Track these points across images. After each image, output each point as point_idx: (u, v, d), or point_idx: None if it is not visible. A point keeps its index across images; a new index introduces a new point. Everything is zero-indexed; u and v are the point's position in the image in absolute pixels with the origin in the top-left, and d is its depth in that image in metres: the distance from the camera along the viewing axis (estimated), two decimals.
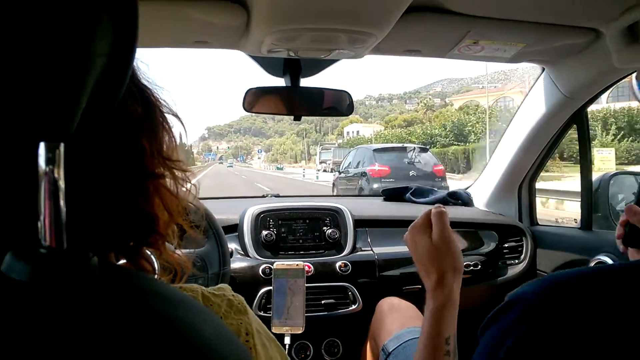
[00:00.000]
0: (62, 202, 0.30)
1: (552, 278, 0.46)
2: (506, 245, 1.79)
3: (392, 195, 2.15)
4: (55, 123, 0.30)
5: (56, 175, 0.30)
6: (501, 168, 1.85)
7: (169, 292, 0.39)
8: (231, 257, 1.50)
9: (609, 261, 1.41)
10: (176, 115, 0.54)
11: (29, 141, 0.30)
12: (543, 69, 1.54)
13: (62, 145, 0.30)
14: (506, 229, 1.81)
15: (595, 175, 1.78)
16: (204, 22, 1.05)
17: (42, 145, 0.30)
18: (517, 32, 1.18)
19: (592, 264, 1.46)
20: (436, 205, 0.94)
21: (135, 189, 0.45)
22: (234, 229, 1.64)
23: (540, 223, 1.90)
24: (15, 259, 0.30)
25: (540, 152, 1.73)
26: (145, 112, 0.48)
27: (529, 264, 1.77)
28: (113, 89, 0.33)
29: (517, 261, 1.78)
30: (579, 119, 1.59)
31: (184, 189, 0.56)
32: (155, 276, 0.99)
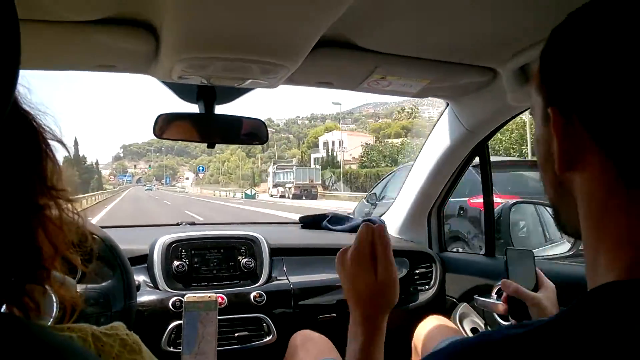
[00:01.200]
0: None
1: (460, 345, 0.46)
2: (417, 271, 1.85)
3: (310, 223, 2.16)
4: None
5: None
6: (412, 196, 1.92)
7: (44, 340, 0.37)
8: (138, 290, 1.43)
9: None
10: (60, 142, 0.51)
11: None
12: (447, 104, 1.64)
13: None
14: (417, 255, 1.87)
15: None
16: (110, 47, 1.02)
17: None
18: (421, 69, 1.25)
19: (495, 290, 1.54)
20: (369, 221, 0.92)
21: (16, 220, 0.42)
22: (143, 259, 1.57)
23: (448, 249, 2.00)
24: None
25: (447, 182, 1.82)
26: (26, 140, 0.45)
27: (438, 289, 1.84)
28: None
29: (427, 287, 1.85)
30: (481, 151, 1.71)
31: (75, 219, 0.53)
32: (53, 314, 0.91)
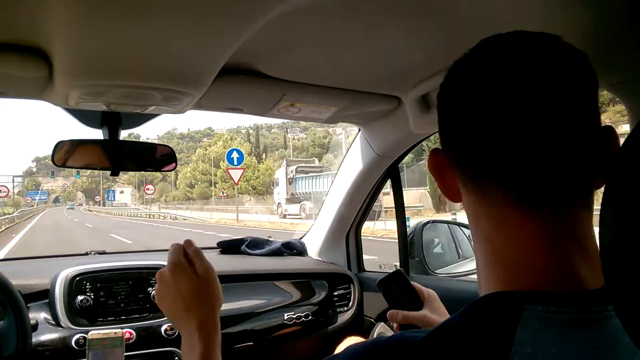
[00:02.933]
0: None
1: (349, 351, 0.49)
2: (336, 293, 1.86)
3: (228, 247, 2.12)
4: None
5: None
6: (329, 218, 1.95)
7: None
8: (35, 329, 1.33)
9: None
10: None
11: None
12: (359, 129, 1.69)
13: None
14: (335, 277, 1.89)
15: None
16: None
17: None
18: (329, 97, 1.28)
19: None
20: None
21: None
22: (44, 295, 1.46)
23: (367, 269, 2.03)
24: None
25: (362, 203, 1.86)
26: None
27: (356, 310, 1.86)
28: None
29: (346, 308, 1.86)
30: (393, 173, 1.77)
31: None
32: None
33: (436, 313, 1.02)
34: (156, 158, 1.35)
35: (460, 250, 2.47)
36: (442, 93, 0.54)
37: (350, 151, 1.77)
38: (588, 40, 0.82)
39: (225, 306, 1.62)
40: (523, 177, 0.47)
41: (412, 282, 1.08)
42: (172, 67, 0.95)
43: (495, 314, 0.45)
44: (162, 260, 1.64)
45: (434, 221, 2.31)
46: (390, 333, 1.75)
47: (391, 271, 1.11)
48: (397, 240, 1.85)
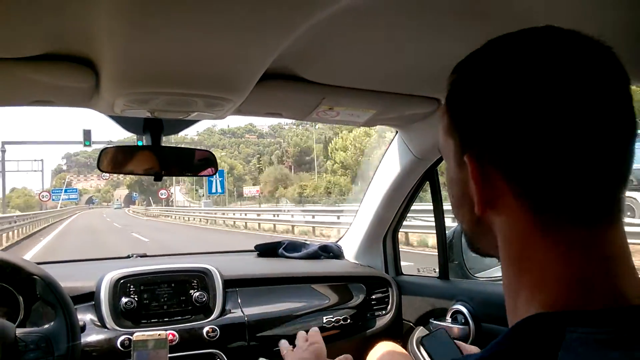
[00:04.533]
0: None
1: None
2: (374, 296, 1.85)
3: (266, 250, 2.14)
4: None
5: None
6: (367, 221, 1.94)
7: None
8: (84, 330, 1.37)
9: (464, 310, 1.51)
10: None
11: None
12: (397, 132, 1.68)
13: None
14: (373, 280, 1.88)
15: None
16: (46, 84, 0.99)
17: None
18: (368, 100, 1.28)
19: (449, 313, 1.56)
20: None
21: None
22: (89, 297, 1.50)
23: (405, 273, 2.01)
24: None
25: (400, 206, 1.85)
26: None
27: (395, 314, 1.84)
28: None
29: (384, 312, 1.85)
30: (431, 176, 1.74)
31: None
32: None
33: None
34: (197, 162, 1.38)
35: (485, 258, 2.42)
36: (473, 89, 0.50)
37: (388, 153, 1.75)
38: (620, 35, 0.79)
39: (265, 309, 1.66)
40: (567, 192, 0.45)
41: (454, 341, 1.08)
42: (216, 73, 0.96)
43: (536, 340, 0.43)
44: (203, 263, 1.67)
45: None
46: None
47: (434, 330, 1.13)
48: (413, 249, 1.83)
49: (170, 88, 1.00)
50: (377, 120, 1.43)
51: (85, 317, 1.43)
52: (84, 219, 40.34)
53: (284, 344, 1.29)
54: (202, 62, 0.92)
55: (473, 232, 0.55)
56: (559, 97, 0.45)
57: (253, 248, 2.19)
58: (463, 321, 1.52)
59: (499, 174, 0.48)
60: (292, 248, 2.10)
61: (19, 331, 1.18)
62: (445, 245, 1.81)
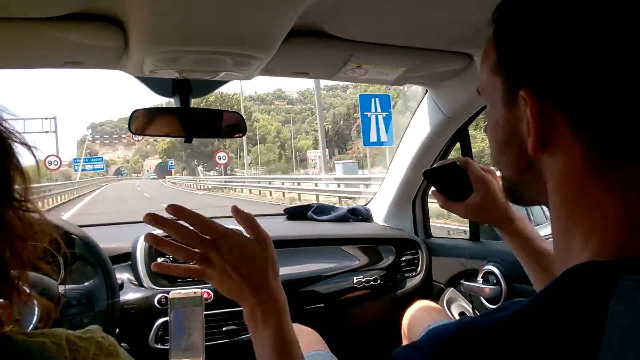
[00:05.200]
0: None
1: (440, 338, 0.46)
2: (403, 258, 1.86)
3: (295, 214, 2.16)
4: None
5: None
6: (395, 184, 1.93)
7: (23, 350, 0.36)
8: (122, 288, 1.42)
9: (496, 270, 1.50)
10: (26, 145, 0.50)
11: None
12: (426, 91, 1.64)
13: None
14: (403, 242, 1.88)
15: None
16: (77, 43, 1.00)
17: None
18: (397, 57, 1.25)
19: (481, 274, 1.55)
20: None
21: None
22: (126, 257, 1.55)
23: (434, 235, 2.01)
24: None
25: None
26: None
27: (425, 276, 1.85)
28: None
29: (414, 273, 1.86)
30: (462, 136, 1.71)
31: (42, 227, 0.51)
32: (34, 321, 0.90)
33: (486, 200, 0.92)
34: (227, 125, 1.38)
35: (531, 216, 2.37)
36: (527, 18, 0.46)
37: (417, 113, 1.72)
38: None
39: (296, 269, 1.68)
40: (632, 128, 0.42)
41: (472, 170, 0.94)
42: (243, 30, 0.95)
43: (586, 287, 0.40)
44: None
45: None
46: (460, 298, 1.73)
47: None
48: None
49: (198, 46, 0.99)
50: (407, 79, 1.40)
51: (122, 276, 1.48)
52: (114, 192, 34.33)
53: None
54: (229, 19, 0.92)
55: (519, 180, 0.53)
56: (627, 21, 0.41)
57: (282, 212, 2.22)
58: (495, 282, 1.51)
59: (558, 110, 0.45)
60: (321, 211, 2.12)
61: (61, 288, 1.23)
62: None
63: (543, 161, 0.48)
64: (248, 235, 0.76)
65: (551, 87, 0.45)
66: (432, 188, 0.99)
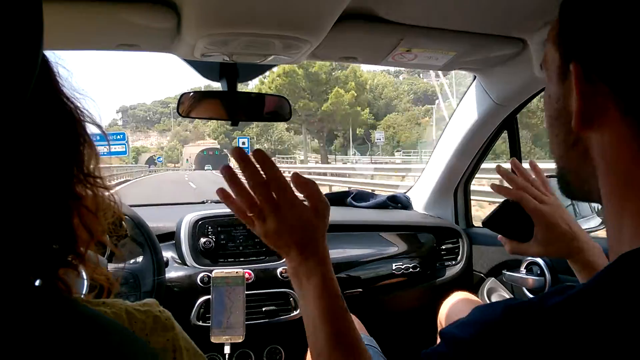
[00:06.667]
0: None
1: (509, 308, 0.46)
2: (443, 246, 1.84)
3: (334, 200, 2.16)
4: None
5: None
6: (438, 172, 1.90)
7: (94, 316, 0.38)
8: (167, 266, 1.46)
9: (540, 261, 1.47)
10: (99, 126, 0.51)
11: None
12: (475, 77, 1.60)
13: None
14: (443, 231, 1.86)
15: None
16: (131, 25, 1.01)
17: None
18: (448, 41, 1.22)
19: (524, 265, 1.52)
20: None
21: (53, 208, 0.43)
22: (170, 237, 1.60)
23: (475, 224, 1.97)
24: None
25: (474, 157, 1.79)
26: (64, 126, 0.45)
27: (465, 265, 1.83)
28: (16, 92, 0.31)
29: (454, 262, 1.84)
30: (510, 124, 1.67)
31: (111, 205, 0.53)
32: (82, 294, 0.94)
33: (548, 231, 0.89)
34: (272, 108, 1.39)
35: (577, 209, 2.30)
36: None
37: (464, 100, 1.68)
38: None
39: (336, 253, 1.69)
40: None
41: (525, 203, 0.92)
42: (296, 12, 0.95)
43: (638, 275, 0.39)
44: None
45: (550, 176, 2.16)
46: (501, 289, 1.70)
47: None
48: None
49: (250, 28, 0.99)
50: (457, 64, 1.37)
51: (167, 254, 1.52)
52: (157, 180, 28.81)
53: None
54: (282, 1, 0.91)
55: (566, 160, 0.52)
56: None
57: None
58: (539, 272, 1.47)
59: (607, 88, 0.44)
60: (360, 197, 2.11)
61: (110, 266, 1.26)
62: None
63: (589, 140, 0.47)
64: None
65: (601, 63, 0.44)
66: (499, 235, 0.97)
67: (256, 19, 0.97)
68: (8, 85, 0.31)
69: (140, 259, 1.33)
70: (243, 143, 33.43)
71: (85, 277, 0.71)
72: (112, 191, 0.53)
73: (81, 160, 0.47)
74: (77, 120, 0.47)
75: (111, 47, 1.16)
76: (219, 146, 77.00)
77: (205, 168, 61.32)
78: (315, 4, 0.93)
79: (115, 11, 0.97)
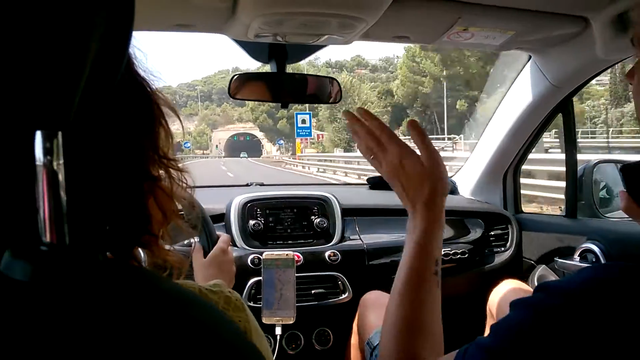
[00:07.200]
0: (62, 195, 0.28)
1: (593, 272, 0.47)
2: (492, 233, 1.80)
3: (378, 183, 2.14)
4: (53, 110, 0.28)
5: (55, 166, 0.28)
6: (486, 156, 1.85)
7: (180, 291, 0.38)
8: None
9: (596, 249, 1.42)
10: (174, 110, 0.52)
11: (26, 130, 0.27)
12: (529, 57, 1.54)
13: (60, 134, 0.28)
14: (492, 216, 1.82)
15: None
16: (187, 4, 1.02)
17: (39, 134, 0.27)
18: (507, 19, 1.17)
19: (578, 252, 1.48)
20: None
21: (130, 188, 0.43)
22: (220, 218, 1.62)
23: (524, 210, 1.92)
24: (14, 258, 0.28)
25: (526, 141, 1.73)
26: (141, 107, 0.45)
27: (515, 251, 1.78)
28: (109, 74, 0.31)
29: (503, 249, 1.80)
30: (565, 107, 1.60)
31: (181, 186, 0.53)
32: None
33: None
34: (323, 90, 1.38)
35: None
36: None
37: (518, 81, 1.63)
38: None
39: (381, 237, 1.68)
40: None
41: None
42: None
43: None
44: (322, 191, 1.71)
45: (604, 161, 2.08)
46: (553, 276, 1.65)
47: None
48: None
49: (307, 7, 0.98)
50: (515, 43, 1.32)
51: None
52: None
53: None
54: None
55: None
56: None
57: (365, 181, 2.21)
58: (594, 260, 1.43)
59: None
60: None
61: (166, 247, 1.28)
62: (575, 182, 1.69)
63: None
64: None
65: None
66: (620, 188, 0.90)
67: None
68: (109, 62, 0.31)
69: (194, 240, 1.35)
70: (303, 121, 28.87)
71: (144, 259, 0.72)
72: (184, 173, 0.53)
73: (156, 142, 0.47)
74: (153, 102, 0.47)
75: (168, 28, 1.17)
76: (251, 131, 74.51)
77: (241, 156, 59.05)
78: None
79: None
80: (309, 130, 30.76)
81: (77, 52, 0.27)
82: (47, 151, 0.27)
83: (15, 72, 0.26)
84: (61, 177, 0.28)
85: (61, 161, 0.28)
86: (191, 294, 0.41)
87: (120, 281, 0.33)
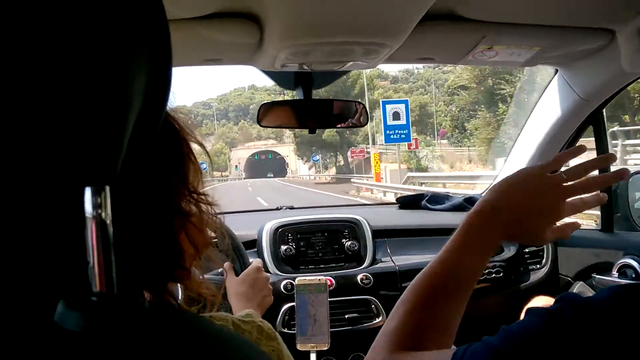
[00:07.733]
0: (111, 246, 0.29)
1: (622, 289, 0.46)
2: (527, 250, 1.76)
3: (409, 203, 2.13)
4: (100, 166, 0.29)
5: (103, 218, 0.29)
6: (517, 170, 1.83)
7: (219, 332, 0.38)
8: None
9: (635, 264, 1.38)
10: (201, 145, 0.53)
11: (75, 186, 0.29)
12: (556, 70, 1.53)
13: (107, 188, 0.29)
14: None
15: None
16: (216, 41, 1.05)
17: (88, 190, 0.29)
18: (531, 36, 1.17)
19: (616, 268, 1.43)
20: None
21: (162, 226, 0.44)
22: (252, 244, 1.63)
23: None
24: (67, 309, 0.29)
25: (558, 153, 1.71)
26: (171, 146, 0.46)
27: (550, 268, 1.74)
28: (151, 126, 0.32)
29: (538, 266, 1.76)
30: (595, 120, 1.58)
31: (215, 220, 0.54)
32: None
33: None
34: (350, 114, 1.39)
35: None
36: None
37: (545, 95, 1.61)
38: None
39: (414, 259, 1.66)
40: None
41: None
42: (378, 18, 0.95)
43: None
44: (351, 214, 1.71)
45: (638, 172, 2.03)
46: (591, 293, 1.60)
47: None
48: None
49: (333, 37, 1.00)
50: (540, 59, 1.31)
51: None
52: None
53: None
54: (364, 7, 0.91)
55: None
56: None
57: (395, 201, 2.20)
58: (633, 276, 1.38)
59: None
60: (435, 200, 2.07)
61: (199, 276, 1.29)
62: (610, 195, 1.65)
63: None
64: None
65: None
66: None
67: (339, 27, 0.98)
68: (151, 115, 0.32)
69: (236, 264, 1.35)
70: (396, 114, 17.92)
71: (180, 291, 0.72)
72: (215, 207, 0.54)
73: (186, 178, 0.48)
74: (182, 139, 0.48)
75: (197, 63, 1.21)
76: (273, 148, 68.10)
77: (268, 175, 54.27)
78: (399, 8, 0.92)
79: (204, 28, 1.01)
80: (405, 132, 17.68)
81: (120, 107, 0.29)
82: (96, 205, 0.29)
83: (65, 133, 0.28)
84: (110, 229, 0.29)
85: (109, 214, 0.29)
86: (227, 333, 0.41)
87: (162, 328, 0.34)
